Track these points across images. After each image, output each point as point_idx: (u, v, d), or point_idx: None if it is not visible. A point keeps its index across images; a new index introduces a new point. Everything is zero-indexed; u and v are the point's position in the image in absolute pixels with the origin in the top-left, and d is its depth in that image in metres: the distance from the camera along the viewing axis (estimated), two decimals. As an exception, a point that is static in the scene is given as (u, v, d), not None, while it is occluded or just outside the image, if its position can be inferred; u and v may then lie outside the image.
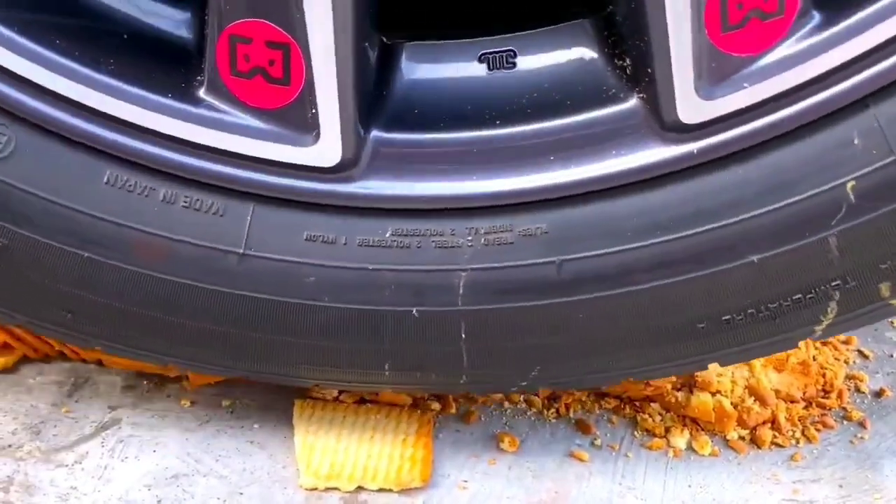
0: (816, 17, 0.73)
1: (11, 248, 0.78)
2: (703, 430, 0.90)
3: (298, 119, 0.75)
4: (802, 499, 0.84)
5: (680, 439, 0.89)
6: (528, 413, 0.92)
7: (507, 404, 0.93)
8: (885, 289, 0.79)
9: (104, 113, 0.76)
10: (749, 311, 0.79)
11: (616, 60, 0.77)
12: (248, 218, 0.78)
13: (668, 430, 0.90)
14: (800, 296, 0.79)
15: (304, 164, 0.77)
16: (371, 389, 0.87)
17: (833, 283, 0.78)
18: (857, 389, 0.95)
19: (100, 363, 0.96)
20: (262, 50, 0.74)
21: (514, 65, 0.79)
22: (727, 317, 0.80)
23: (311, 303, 0.79)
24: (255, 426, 0.90)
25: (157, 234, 0.78)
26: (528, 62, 0.79)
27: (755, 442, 0.90)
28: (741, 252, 0.77)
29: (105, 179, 0.77)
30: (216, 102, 0.76)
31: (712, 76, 0.73)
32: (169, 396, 0.94)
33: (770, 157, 0.75)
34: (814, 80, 0.73)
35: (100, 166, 0.77)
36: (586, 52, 0.78)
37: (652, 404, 0.92)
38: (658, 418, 0.91)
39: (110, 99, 0.75)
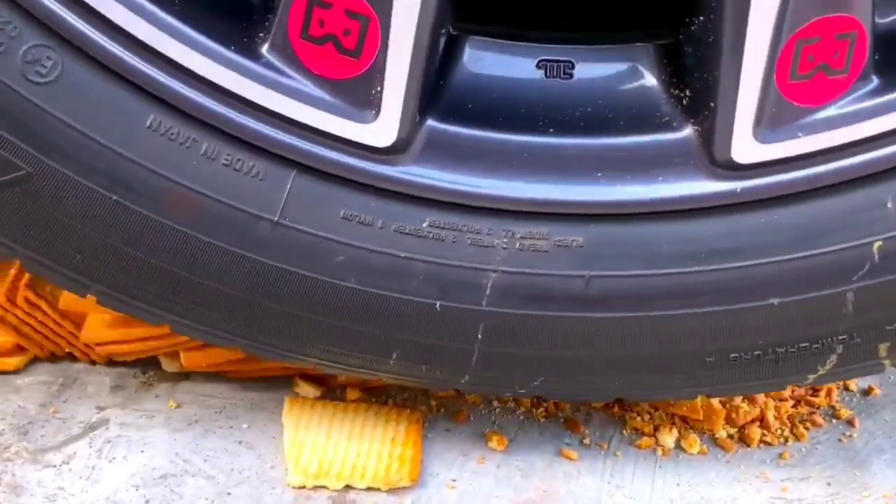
0: (875, 82, 0.76)
1: (36, 177, 0.74)
2: (691, 428, 0.91)
3: (361, 94, 0.74)
4: (791, 497, 0.85)
5: (668, 437, 0.90)
6: (518, 412, 0.93)
7: (495, 403, 0.93)
8: (883, 349, 0.82)
9: (160, 53, 0.72)
10: (756, 352, 0.82)
11: (673, 89, 0.78)
12: (288, 186, 0.76)
13: (656, 428, 0.91)
14: (807, 344, 0.81)
15: (356, 140, 0.75)
16: (369, 377, 0.86)
17: (840, 337, 0.81)
18: (846, 387, 0.97)
19: (92, 363, 0.95)
20: (340, 18, 0.72)
21: (571, 76, 0.79)
22: (735, 354, 0.82)
23: (335, 282, 0.78)
24: (244, 426, 0.90)
25: (191, 189, 0.75)
26: (585, 76, 0.79)
27: (744, 440, 0.91)
28: (764, 294, 0.79)
29: (148, 123, 0.74)
30: (277, 63, 0.74)
31: (771, 121, 0.75)
32: (157, 396, 0.92)
33: (807, 207, 0.77)
34: (862, 141, 0.76)
35: (145, 108, 0.73)
36: (645, 76, 0.79)
37: (640, 402, 0.92)
38: (647, 416, 0.92)
39: (169, 40, 0.72)
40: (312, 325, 0.80)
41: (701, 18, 0.74)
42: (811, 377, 0.84)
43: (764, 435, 0.91)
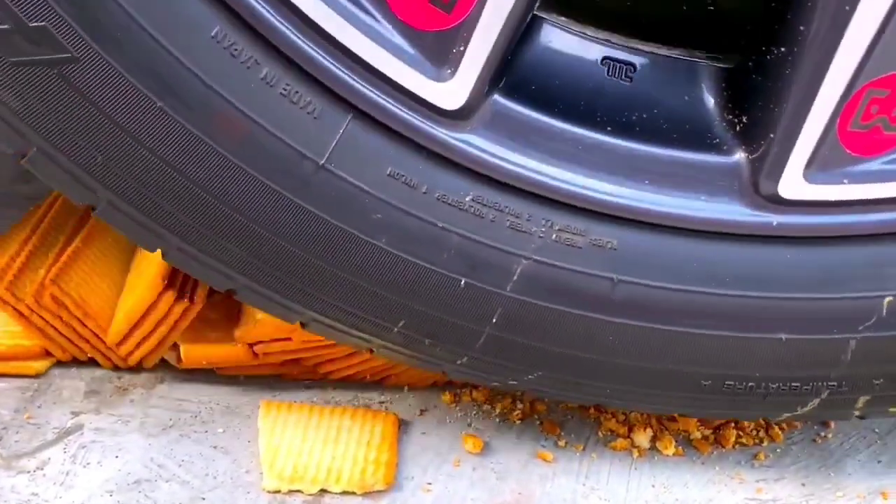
0: (919, 145, 0.78)
1: (81, 64, 0.67)
2: (666, 429, 0.91)
3: (442, 51, 0.71)
4: (766, 497, 0.86)
5: (643, 438, 0.90)
6: (493, 415, 0.91)
7: (472, 406, 0.91)
8: (862, 401, 0.85)
9: (242, -39, 0.67)
10: (750, 383, 0.83)
11: (727, 114, 0.78)
12: (341, 131, 0.72)
13: (631, 429, 0.90)
14: (798, 384, 0.83)
15: (424, 97, 0.72)
16: (361, 344, 0.82)
17: (830, 383, 0.83)
18: (820, 389, 0.98)
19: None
20: (441, -32, 0.69)
21: (631, 79, 0.78)
22: (731, 382, 0.82)
23: (366, 238, 0.74)
24: (219, 430, 0.87)
25: (242, 112, 0.70)
26: (645, 82, 0.78)
27: (719, 441, 0.91)
28: (775, 327, 0.80)
29: (213, 33, 0.68)
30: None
31: (823, 163, 0.76)
32: (132, 401, 0.89)
33: (834, 251, 0.79)
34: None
35: (213, 17, 0.68)
36: (703, 95, 0.79)
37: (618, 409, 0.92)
38: (622, 418, 0.91)
39: (256, -50, 0.67)
40: (328, 277, 0.76)
41: (782, 49, 0.75)
42: (786, 415, 0.86)
43: (739, 436, 0.92)
